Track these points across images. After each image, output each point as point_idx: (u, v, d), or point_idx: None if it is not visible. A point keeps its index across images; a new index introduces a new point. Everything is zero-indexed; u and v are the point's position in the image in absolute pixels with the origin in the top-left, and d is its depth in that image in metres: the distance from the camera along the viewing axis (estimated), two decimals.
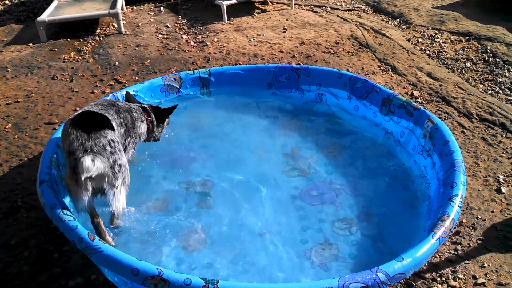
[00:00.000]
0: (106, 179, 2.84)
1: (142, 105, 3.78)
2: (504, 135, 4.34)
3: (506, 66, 5.71)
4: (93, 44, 6.55)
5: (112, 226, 3.23)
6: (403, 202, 3.61)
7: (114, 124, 3.16)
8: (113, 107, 3.35)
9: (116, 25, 6.99)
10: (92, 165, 2.71)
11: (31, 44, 6.63)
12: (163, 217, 3.45)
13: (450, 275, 2.98)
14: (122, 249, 2.95)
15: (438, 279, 2.96)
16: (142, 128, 3.58)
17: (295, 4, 7.95)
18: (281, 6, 7.97)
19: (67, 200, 3.07)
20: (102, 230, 2.99)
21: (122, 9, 7.61)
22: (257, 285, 2.87)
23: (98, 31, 7.00)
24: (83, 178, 2.71)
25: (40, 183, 3.03)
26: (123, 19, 7.10)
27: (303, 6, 8.04)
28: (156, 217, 3.46)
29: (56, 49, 6.39)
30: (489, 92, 5.19)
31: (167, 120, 3.96)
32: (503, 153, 4.11)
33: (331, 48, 6.21)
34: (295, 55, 6.01)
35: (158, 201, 3.62)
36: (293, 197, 3.66)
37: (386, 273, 2.42)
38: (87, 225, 2.98)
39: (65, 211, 2.79)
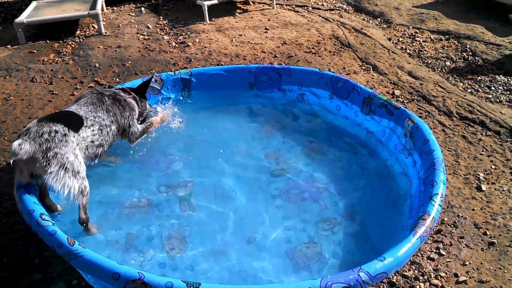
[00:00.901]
0: (38, 164, 2.98)
1: (119, 88, 4.04)
2: (483, 133, 4.39)
3: (485, 64, 5.78)
4: (73, 45, 6.47)
5: (80, 222, 3.19)
6: (386, 201, 3.63)
7: (89, 123, 3.45)
8: (103, 106, 3.66)
9: (96, 26, 6.91)
10: (18, 148, 2.90)
11: (9, 46, 6.53)
12: (144, 220, 3.43)
13: (432, 274, 3.01)
14: (102, 253, 2.93)
15: (421, 277, 2.98)
16: (133, 103, 3.94)
17: (276, 4, 7.96)
18: (263, 6, 7.97)
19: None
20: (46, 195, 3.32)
21: (102, 10, 7.54)
22: (240, 287, 2.86)
23: (78, 32, 6.92)
24: (11, 161, 2.95)
25: (18, 188, 2.99)
26: (103, 20, 7.03)
27: (284, 6, 8.05)
28: (138, 220, 3.43)
29: (35, 51, 6.30)
30: (469, 90, 5.25)
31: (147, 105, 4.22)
32: (483, 151, 4.16)
33: (312, 48, 6.22)
34: (277, 55, 6.01)
35: (140, 204, 3.59)
36: (276, 197, 3.65)
37: (368, 273, 2.43)
38: (67, 230, 2.95)
39: (43, 216, 2.75)
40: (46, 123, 3.12)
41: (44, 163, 2.97)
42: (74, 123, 3.36)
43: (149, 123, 4.09)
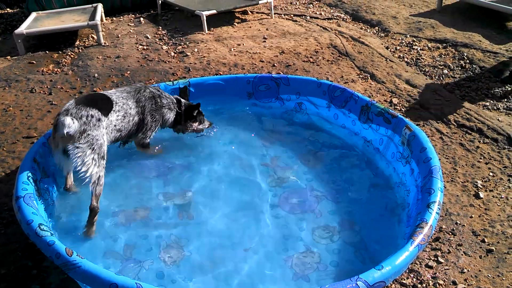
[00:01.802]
0: (72, 140, 3.32)
1: (180, 99, 4.29)
2: (481, 141, 4.40)
3: (482, 72, 5.80)
4: (72, 56, 6.50)
5: (90, 209, 3.33)
6: (384, 209, 3.63)
7: (117, 108, 3.74)
8: (136, 95, 3.94)
9: (95, 37, 6.95)
10: (67, 125, 3.25)
11: (9, 57, 6.56)
12: (143, 229, 3.44)
13: (430, 281, 3.01)
14: (100, 263, 2.93)
15: (419, 285, 2.98)
16: (169, 115, 4.17)
17: (275, 14, 8.00)
18: (261, 15, 8.01)
19: (44, 215, 3.04)
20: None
21: (102, 20, 7.58)
22: None
23: (77, 43, 6.96)
24: (65, 132, 3.26)
25: (17, 199, 3.00)
26: (102, 31, 7.07)
27: (282, 15, 8.09)
28: (136, 229, 3.44)
29: (34, 62, 6.33)
30: (466, 98, 5.26)
31: (200, 119, 4.37)
32: (480, 158, 4.17)
33: (310, 57, 6.25)
34: (275, 64, 6.04)
35: (138, 213, 3.60)
36: (274, 206, 3.66)
37: (365, 282, 2.43)
38: (65, 240, 2.95)
39: (42, 227, 2.75)
40: (84, 107, 3.44)
41: (77, 140, 3.31)
42: (106, 107, 3.66)
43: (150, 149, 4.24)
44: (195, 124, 4.35)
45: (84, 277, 2.49)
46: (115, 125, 3.72)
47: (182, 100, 4.29)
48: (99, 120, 3.47)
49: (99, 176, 3.39)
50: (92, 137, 3.37)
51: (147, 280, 2.94)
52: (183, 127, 4.33)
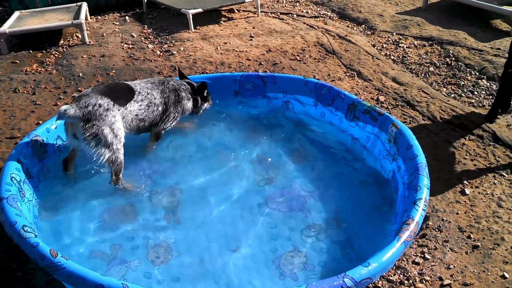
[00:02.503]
0: (77, 129, 3.47)
1: (191, 82, 4.44)
2: (467, 138, 4.43)
3: (468, 69, 5.84)
4: (56, 55, 6.43)
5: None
6: (371, 207, 3.64)
7: (139, 98, 3.88)
8: (160, 87, 4.12)
9: (80, 36, 6.88)
10: (63, 113, 3.36)
11: None
12: (129, 229, 3.41)
13: (417, 278, 3.02)
14: (86, 264, 2.90)
15: (406, 282, 2.99)
16: (189, 104, 4.37)
17: (261, 12, 7.98)
18: (248, 14, 7.99)
19: (28, 216, 3.00)
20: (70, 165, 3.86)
21: (86, 19, 7.50)
22: None
23: (61, 42, 6.89)
24: (56, 119, 3.50)
25: (0, 200, 2.95)
26: (87, 30, 7.01)
27: (269, 13, 8.07)
28: (122, 230, 3.41)
29: (17, 61, 6.25)
30: (452, 95, 5.29)
31: (209, 98, 4.59)
32: (466, 155, 4.19)
33: (297, 55, 6.25)
34: (262, 62, 6.03)
35: (125, 212, 3.57)
36: (261, 205, 3.65)
37: (352, 278, 2.43)
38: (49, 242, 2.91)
39: (26, 228, 2.72)
40: (95, 95, 3.54)
41: (83, 130, 3.44)
42: (124, 97, 3.78)
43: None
44: (206, 104, 4.58)
45: (69, 278, 2.46)
46: (136, 115, 3.85)
47: (192, 82, 4.43)
48: (107, 109, 3.54)
49: (112, 159, 3.60)
50: (98, 127, 3.47)
51: (133, 281, 2.91)
52: (198, 110, 4.51)
